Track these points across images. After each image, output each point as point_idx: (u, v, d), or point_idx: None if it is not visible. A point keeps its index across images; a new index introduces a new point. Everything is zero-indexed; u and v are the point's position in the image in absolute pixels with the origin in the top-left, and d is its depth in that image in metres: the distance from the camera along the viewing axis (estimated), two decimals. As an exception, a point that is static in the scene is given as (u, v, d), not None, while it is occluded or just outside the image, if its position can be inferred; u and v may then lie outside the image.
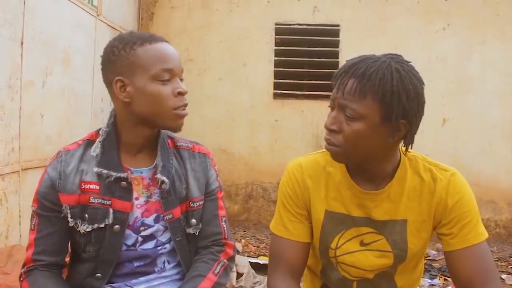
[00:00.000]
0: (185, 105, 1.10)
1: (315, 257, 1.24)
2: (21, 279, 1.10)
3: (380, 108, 0.96)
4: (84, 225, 1.09)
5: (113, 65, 1.07)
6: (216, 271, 1.16)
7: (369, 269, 1.14)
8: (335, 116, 1.02)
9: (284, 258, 1.14)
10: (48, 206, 1.09)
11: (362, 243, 1.13)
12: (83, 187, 1.09)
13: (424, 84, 1.01)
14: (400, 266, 1.14)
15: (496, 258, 3.57)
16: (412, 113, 0.98)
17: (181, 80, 1.12)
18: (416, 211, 1.09)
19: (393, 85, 0.95)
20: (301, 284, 1.32)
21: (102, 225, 1.09)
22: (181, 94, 1.09)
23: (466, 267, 1.03)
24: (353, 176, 1.12)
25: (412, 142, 1.04)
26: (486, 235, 1.06)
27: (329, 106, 1.05)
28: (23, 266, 1.11)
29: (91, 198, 1.09)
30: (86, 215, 1.09)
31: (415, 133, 1.03)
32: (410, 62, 1.02)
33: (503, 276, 3.09)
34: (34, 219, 1.11)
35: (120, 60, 1.06)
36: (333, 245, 1.14)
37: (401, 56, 1.03)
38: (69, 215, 1.08)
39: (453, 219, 1.06)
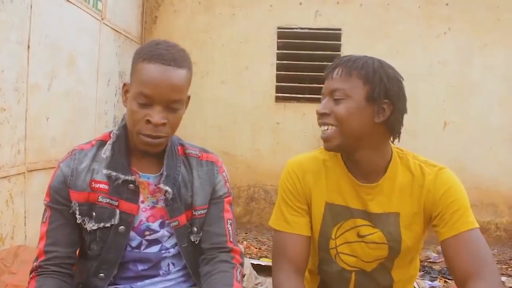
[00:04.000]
0: (154, 136, 1.07)
1: (313, 252, 1.27)
2: (31, 275, 1.11)
3: (364, 86, 1.08)
4: (91, 223, 1.12)
5: (130, 70, 1.14)
6: (238, 278, 1.15)
7: (366, 260, 1.18)
8: (325, 101, 1.13)
9: (287, 254, 1.17)
10: (60, 200, 1.12)
11: (358, 235, 1.18)
12: (93, 185, 1.12)
13: (403, 79, 1.13)
14: (396, 260, 1.18)
15: (496, 260, 3.58)
16: (394, 94, 1.09)
17: (173, 109, 1.08)
18: (407, 204, 1.15)
19: (375, 67, 1.09)
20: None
21: (108, 225, 1.12)
22: (149, 122, 1.06)
23: (459, 255, 1.05)
24: (350, 170, 1.18)
25: (399, 131, 1.13)
26: (475, 224, 1.09)
27: (322, 96, 1.16)
28: (36, 260, 1.12)
29: (99, 197, 1.12)
30: (94, 213, 1.12)
31: (401, 122, 1.12)
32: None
33: (503, 278, 3.10)
34: (46, 212, 1.13)
35: (131, 68, 1.12)
36: (332, 236, 1.19)
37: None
38: (77, 212, 1.11)
39: (442, 210, 1.11)
